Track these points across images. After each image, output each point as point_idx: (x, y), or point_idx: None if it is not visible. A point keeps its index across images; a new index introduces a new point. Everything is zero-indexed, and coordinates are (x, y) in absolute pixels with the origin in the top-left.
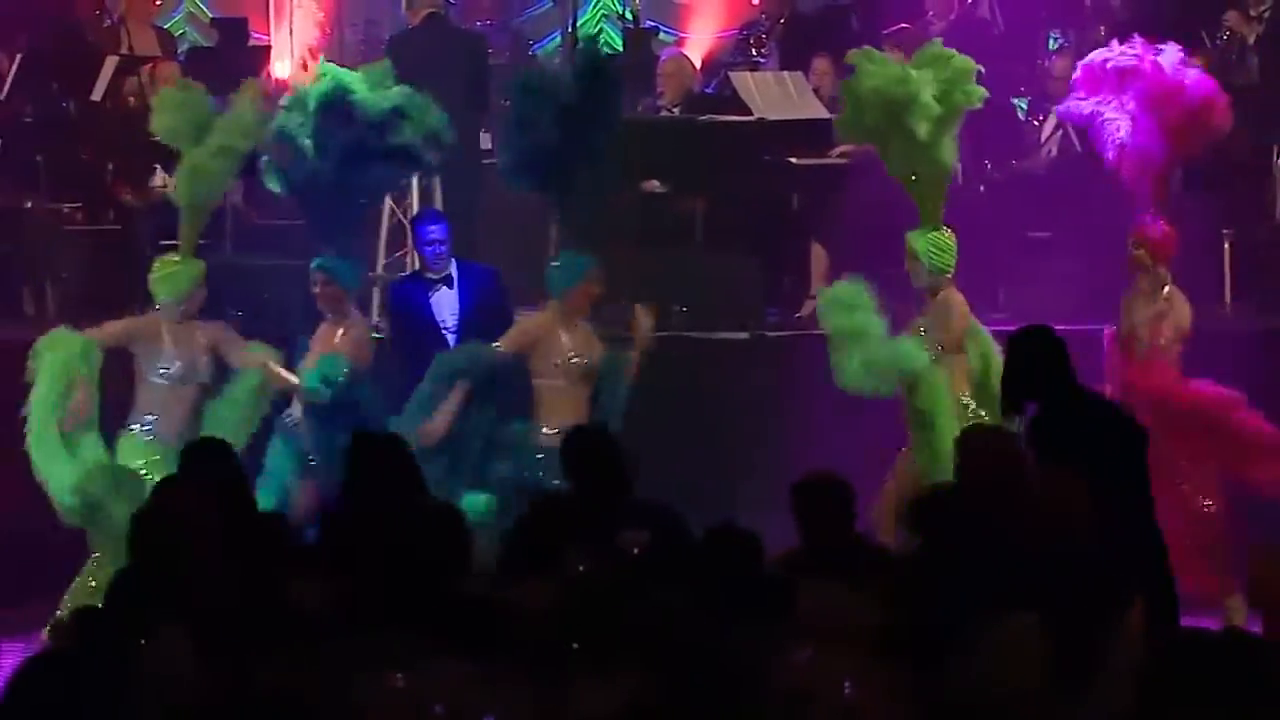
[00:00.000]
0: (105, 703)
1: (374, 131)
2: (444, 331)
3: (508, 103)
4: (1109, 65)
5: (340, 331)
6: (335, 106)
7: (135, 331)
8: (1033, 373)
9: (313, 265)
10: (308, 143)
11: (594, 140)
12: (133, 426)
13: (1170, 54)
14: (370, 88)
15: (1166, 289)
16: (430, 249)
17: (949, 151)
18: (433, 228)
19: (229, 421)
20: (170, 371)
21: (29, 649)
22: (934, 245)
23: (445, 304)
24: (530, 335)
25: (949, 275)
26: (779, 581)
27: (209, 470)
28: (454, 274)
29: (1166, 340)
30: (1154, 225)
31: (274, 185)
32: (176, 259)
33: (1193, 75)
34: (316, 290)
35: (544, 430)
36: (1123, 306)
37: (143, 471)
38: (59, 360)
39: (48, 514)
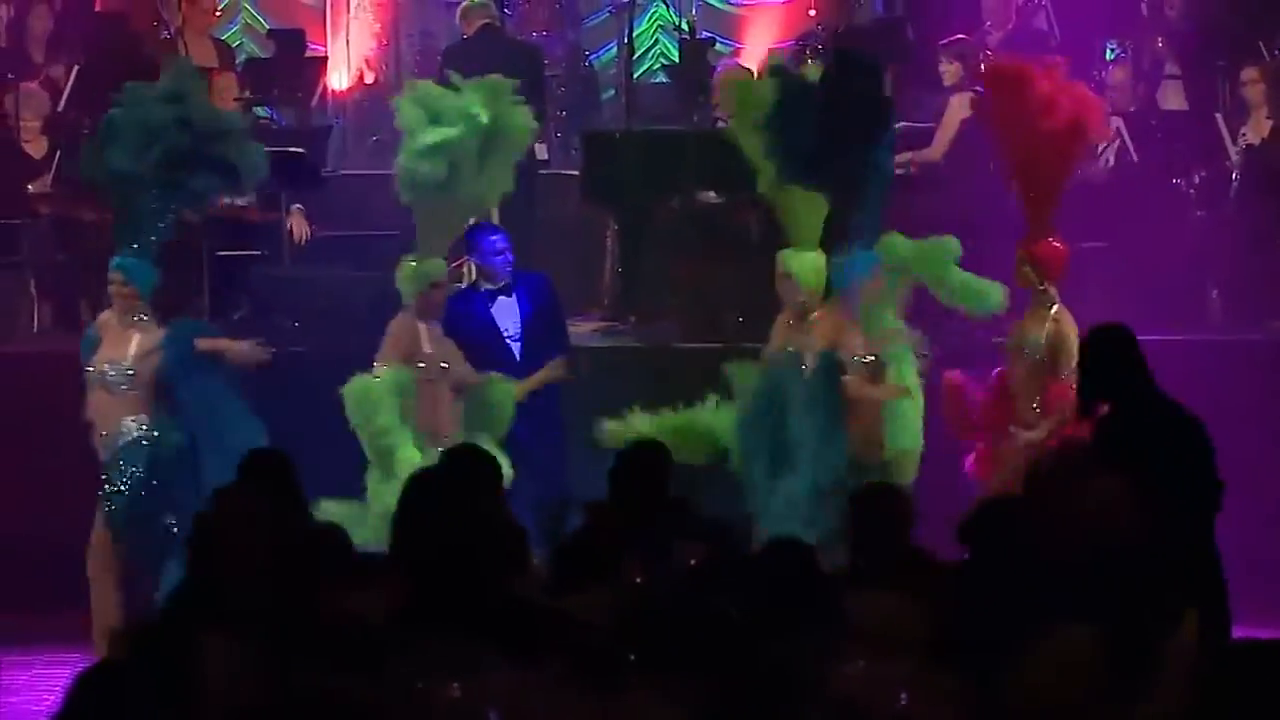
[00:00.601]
0: (161, 713)
1: (202, 140)
2: (507, 340)
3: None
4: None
5: (134, 336)
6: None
7: (402, 343)
8: (1106, 372)
9: (111, 264)
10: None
11: (860, 134)
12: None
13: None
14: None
15: (1055, 308)
16: (499, 258)
17: None
18: (494, 237)
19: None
20: (425, 368)
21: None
22: (810, 266)
23: (506, 313)
24: (836, 331)
25: (819, 296)
26: (832, 592)
27: (265, 481)
28: (514, 285)
29: (1053, 360)
30: (1040, 243)
31: (92, 171)
32: (414, 258)
33: (1064, 89)
34: (112, 289)
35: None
36: (1014, 327)
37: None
38: (391, 399)
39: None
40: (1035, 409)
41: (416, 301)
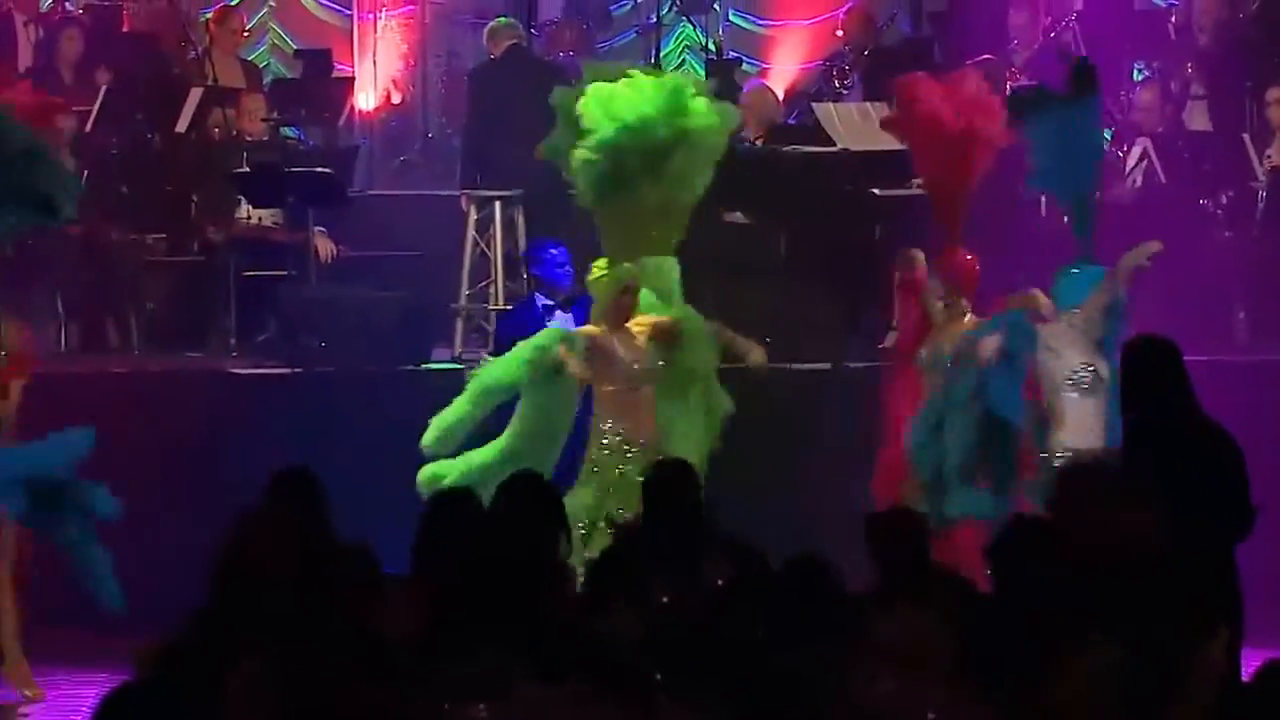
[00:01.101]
0: None
1: (11, 171)
2: None
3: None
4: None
5: None
6: None
7: (592, 352)
8: (1144, 381)
9: None
10: None
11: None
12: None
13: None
14: None
15: (967, 317)
16: (560, 271)
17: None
18: (556, 251)
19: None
20: (629, 374)
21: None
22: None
23: (562, 327)
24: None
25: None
26: (857, 611)
27: (292, 501)
28: (572, 298)
29: None
30: (950, 255)
31: None
32: (603, 263)
33: (962, 99)
34: None
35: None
36: (928, 341)
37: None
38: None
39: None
40: None
41: (609, 307)
